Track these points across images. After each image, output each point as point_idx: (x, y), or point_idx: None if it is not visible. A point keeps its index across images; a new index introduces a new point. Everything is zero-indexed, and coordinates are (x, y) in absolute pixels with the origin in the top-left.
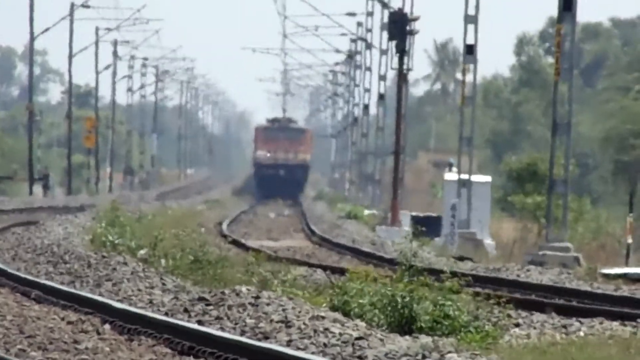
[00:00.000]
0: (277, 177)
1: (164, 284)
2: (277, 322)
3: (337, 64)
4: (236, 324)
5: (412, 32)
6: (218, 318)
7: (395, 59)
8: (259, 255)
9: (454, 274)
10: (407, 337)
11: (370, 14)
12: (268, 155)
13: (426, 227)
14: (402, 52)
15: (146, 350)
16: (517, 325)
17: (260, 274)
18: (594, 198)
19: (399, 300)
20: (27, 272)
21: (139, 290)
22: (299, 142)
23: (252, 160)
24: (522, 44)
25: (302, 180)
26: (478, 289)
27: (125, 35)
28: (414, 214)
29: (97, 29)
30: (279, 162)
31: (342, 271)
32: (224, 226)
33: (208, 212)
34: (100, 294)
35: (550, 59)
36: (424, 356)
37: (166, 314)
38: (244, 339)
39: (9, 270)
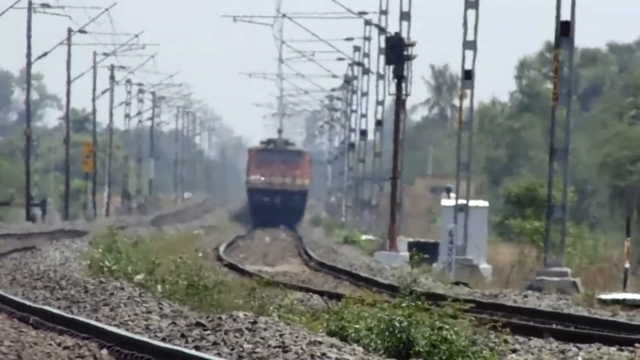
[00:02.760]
0: (273, 205)
1: (161, 309)
2: (274, 347)
3: (334, 89)
4: (233, 349)
5: (410, 57)
6: (215, 343)
7: (393, 84)
8: (262, 281)
9: (455, 299)
10: None
11: (367, 38)
12: (262, 179)
13: (423, 253)
14: (399, 77)
15: None
16: (515, 350)
17: (262, 298)
18: (592, 223)
19: (397, 324)
20: (24, 298)
21: (136, 315)
22: (296, 166)
23: (245, 185)
24: (523, 67)
25: (300, 207)
26: (475, 315)
27: (122, 61)
28: (411, 239)
29: (94, 54)
30: (275, 188)
31: (339, 297)
32: (221, 251)
33: (205, 237)
34: (97, 319)
35: (549, 84)
36: None
37: (163, 339)
38: None
39: (6, 296)
